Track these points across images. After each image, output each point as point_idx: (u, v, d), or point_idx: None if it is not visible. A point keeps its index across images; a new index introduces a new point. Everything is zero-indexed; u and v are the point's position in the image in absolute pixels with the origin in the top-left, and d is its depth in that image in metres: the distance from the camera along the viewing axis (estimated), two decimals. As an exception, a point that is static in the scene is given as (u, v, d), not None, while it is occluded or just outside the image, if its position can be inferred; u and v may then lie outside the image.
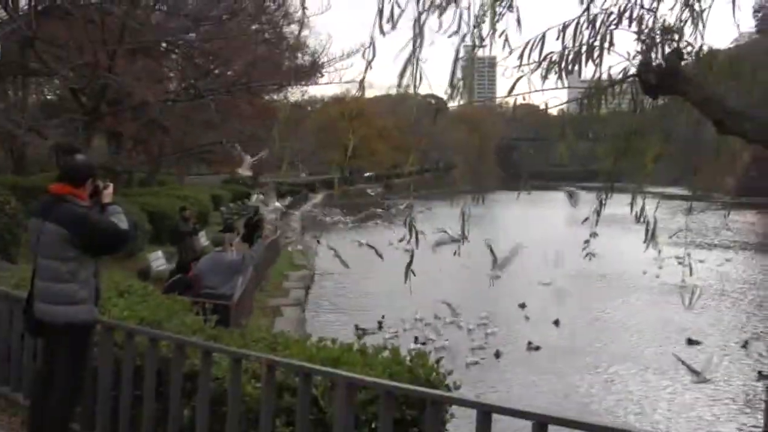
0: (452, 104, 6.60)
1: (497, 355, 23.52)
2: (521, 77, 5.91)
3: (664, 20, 5.96)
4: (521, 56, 5.81)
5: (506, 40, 5.88)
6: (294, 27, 40.42)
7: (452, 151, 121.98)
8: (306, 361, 6.82)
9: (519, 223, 53.55)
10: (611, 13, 5.91)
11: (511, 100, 6.56)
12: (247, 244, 30.08)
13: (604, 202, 7.00)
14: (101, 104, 30.05)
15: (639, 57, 5.76)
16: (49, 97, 45.35)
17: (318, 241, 43.26)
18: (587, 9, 5.92)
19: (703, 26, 6.07)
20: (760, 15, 59.36)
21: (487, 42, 5.88)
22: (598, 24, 5.87)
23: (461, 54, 5.95)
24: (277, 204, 50.70)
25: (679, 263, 8.24)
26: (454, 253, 7.31)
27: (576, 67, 5.83)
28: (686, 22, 6.06)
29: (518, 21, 5.84)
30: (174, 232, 27.08)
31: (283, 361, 6.69)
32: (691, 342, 25.66)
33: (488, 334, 25.55)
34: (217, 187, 62.01)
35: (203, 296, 17.14)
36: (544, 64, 5.78)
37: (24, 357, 8.83)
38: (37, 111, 36.67)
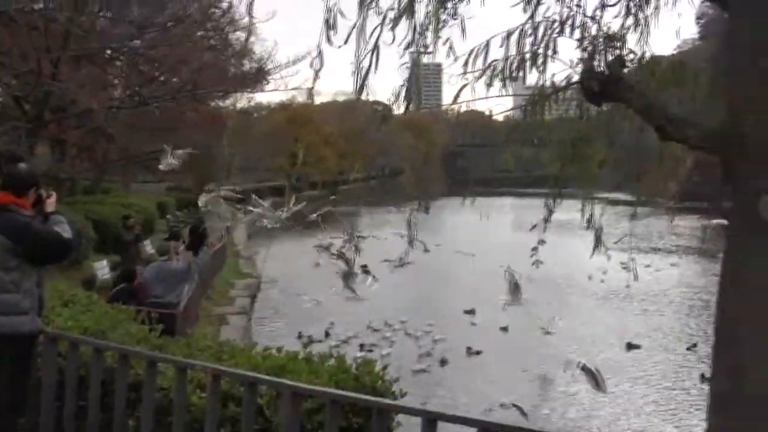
0: (398, 111, 6.61)
1: (443, 362, 23.58)
2: (465, 85, 5.94)
3: (608, 28, 6.01)
4: (465, 64, 5.83)
5: (451, 47, 5.91)
6: (240, 34, 40.30)
7: (399, 157, 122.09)
8: (251, 370, 6.80)
9: (466, 229, 53.59)
10: (554, 21, 5.96)
11: (457, 107, 6.61)
12: (192, 252, 29.85)
13: (552, 208, 7.05)
14: (45, 112, 29.69)
15: (582, 64, 5.80)
16: (-9, 105, 44.72)
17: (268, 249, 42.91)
18: (531, 17, 5.96)
19: (647, 33, 6.14)
20: (702, 22, 60.04)
21: (432, 49, 5.91)
22: (541, 32, 5.91)
23: (407, 61, 5.96)
24: (224, 209, 50.07)
25: (624, 268, 8.32)
26: (403, 264, 7.33)
27: (520, 75, 5.86)
28: (630, 29, 6.12)
29: (462, 29, 5.88)
30: (117, 241, 26.83)
31: (228, 371, 6.66)
32: (631, 346, 25.92)
33: (435, 341, 25.60)
34: (163, 194, 61.48)
35: (149, 305, 16.98)
36: (489, 72, 5.81)
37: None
38: (-21, 119, 36.17)
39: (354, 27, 5.68)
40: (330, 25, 5.74)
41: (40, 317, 7.57)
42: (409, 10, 5.66)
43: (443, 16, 5.81)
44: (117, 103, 30.89)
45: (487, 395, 20.88)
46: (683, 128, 5.24)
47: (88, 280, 25.19)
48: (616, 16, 6.12)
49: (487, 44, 5.80)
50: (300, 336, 25.16)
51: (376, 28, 5.67)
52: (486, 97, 6.02)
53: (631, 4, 6.14)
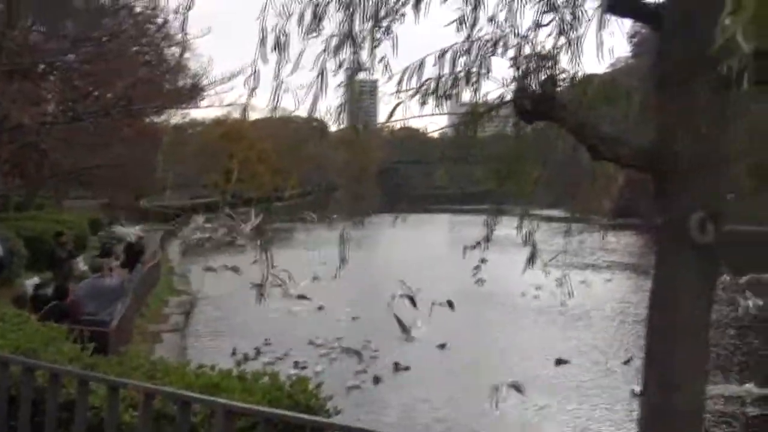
0: (333, 128, 6.64)
1: (376, 380, 23.53)
2: (400, 103, 5.98)
3: (542, 47, 6.07)
4: (400, 82, 5.87)
5: (386, 65, 5.95)
6: (175, 49, 40.06)
7: (334, 173, 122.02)
8: (185, 388, 6.75)
9: (402, 245, 53.68)
10: (488, 40, 6.01)
11: (392, 124, 6.65)
12: (127, 269, 29.58)
13: (493, 227, 7.11)
14: (-25, 127, 29.26)
15: (515, 83, 5.85)
16: None
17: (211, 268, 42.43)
18: (468, 37, 6.01)
19: (580, 53, 6.22)
20: (635, 40, 60.94)
21: (368, 65, 5.94)
22: (474, 51, 5.95)
23: (342, 78, 6.00)
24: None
25: (558, 285, 8.38)
26: (334, 276, 7.30)
27: (454, 93, 5.90)
28: (562, 48, 6.19)
29: (394, 47, 5.92)
30: (50, 258, 26.47)
31: (160, 389, 6.59)
32: (559, 362, 26.06)
33: (371, 357, 25.58)
34: (97, 211, 60.87)
35: (82, 323, 16.76)
36: (423, 90, 5.84)
37: None
38: None
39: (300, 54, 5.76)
40: (265, 44, 5.79)
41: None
42: (348, 35, 5.72)
43: (378, 35, 5.84)
44: (50, 119, 30.48)
45: (419, 411, 21.05)
46: (615, 147, 5.30)
47: (20, 298, 24.77)
48: (548, 35, 6.19)
49: (422, 63, 5.85)
50: (234, 353, 24.95)
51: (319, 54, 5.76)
52: (420, 116, 6.07)
53: (564, 24, 6.21)
